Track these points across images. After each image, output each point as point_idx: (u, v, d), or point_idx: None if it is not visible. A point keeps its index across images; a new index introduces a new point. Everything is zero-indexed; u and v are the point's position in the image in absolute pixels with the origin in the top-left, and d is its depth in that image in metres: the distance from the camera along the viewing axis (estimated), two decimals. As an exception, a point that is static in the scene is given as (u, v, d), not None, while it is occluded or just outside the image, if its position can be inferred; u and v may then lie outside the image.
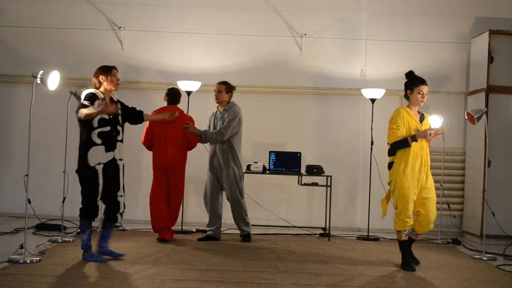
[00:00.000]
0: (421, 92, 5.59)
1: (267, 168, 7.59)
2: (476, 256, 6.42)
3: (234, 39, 8.45)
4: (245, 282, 4.81)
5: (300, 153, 7.63)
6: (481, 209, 7.32)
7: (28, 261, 5.18)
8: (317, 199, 8.26)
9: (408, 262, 5.63)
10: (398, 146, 5.55)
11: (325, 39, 8.46)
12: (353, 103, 8.44)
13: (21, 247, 5.27)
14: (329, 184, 7.52)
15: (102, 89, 5.48)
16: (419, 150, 5.53)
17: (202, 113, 8.04)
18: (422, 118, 5.70)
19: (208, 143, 6.97)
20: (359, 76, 8.46)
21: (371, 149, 7.79)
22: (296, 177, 7.75)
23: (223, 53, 8.45)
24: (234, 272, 5.19)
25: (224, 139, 6.78)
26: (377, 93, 7.74)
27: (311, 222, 8.25)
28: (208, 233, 6.93)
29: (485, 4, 8.46)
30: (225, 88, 6.94)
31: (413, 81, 5.65)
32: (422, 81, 5.62)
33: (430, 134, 5.51)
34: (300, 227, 8.03)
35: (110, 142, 5.40)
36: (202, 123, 7.58)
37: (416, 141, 5.49)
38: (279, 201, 8.36)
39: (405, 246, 5.65)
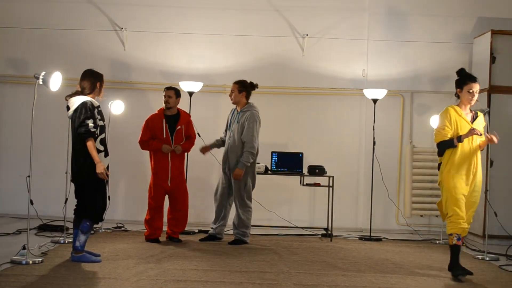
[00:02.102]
0: (471, 90, 5.32)
1: (269, 168, 7.58)
2: (479, 256, 6.42)
3: (236, 39, 8.45)
4: (247, 283, 4.81)
5: (302, 153, 7.63)
6: (483, 209, 7.30)
7: (31, 262, 5.19)
8: (319, 200, 8.26)
9: (459, 267, 5.32)
10: (444, 146, 5.34)
11: (327, 39, 8.46)
12: (355, 104, 8.45)
13: (24, 248, 5.27)
14: (331, 184, 7.52)
15: (92, 95, 5.48)
16: (468, 152, 5.30)
17: (204, 114, 8.08)
18: (475, 117, 5.43)
19: (224, 144, 6.94)
20: (361, 77, 8.45)
21: (373, 149, 7.79)
22: (298, 178, 7.75)
23: (225, 53, 8.45)
24: (237, 273, 5.18)
25: (256, 149, 6.72)
26: (379, 93, 7.73)
27: (313, 223, 8.25)
28: (209, 232, 6.93)
29: (487, 4, 8.46)
30: (237, 87, 6.80)
31: (463, 79, 5.38)
32: (472, 79, 5.36)
33: (477, 134, 5.25)
34: (302, 228, 8.03)
35: (106, 148, 5.52)
36: (203, 123, 7.60)
37: (461, 141, 5.25)
38: (281, 201, 8.36)
39: (456, 251, 5.32)
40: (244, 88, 6.82)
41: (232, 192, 6.84)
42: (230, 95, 6.86)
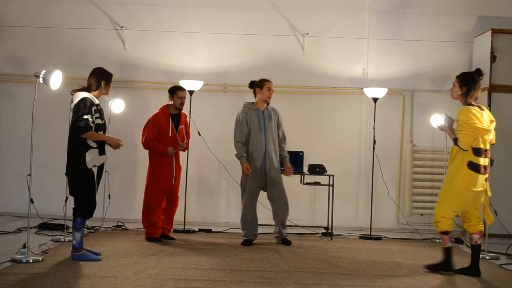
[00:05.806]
0: None
1: (270, 167, 7.58)
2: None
3: (236, 38, 8.45)
4: (247, 282, 4.82)
5: (302, 152, 7.63)
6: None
7: (31, 261, 5.19)
8: (319, 199, 8.26)
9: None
10: None
11: (327, 38, 8.45)
12: (355, 102, 8.44)
13: (24, 246, 5.28)
14: (331, 183, 7.52)
15: (96, 93, 5.49)
16: None
17: (204, 113, 8.07)
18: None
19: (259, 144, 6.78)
20: (361, 75, 8.45)
21: (374, 148, 7.79)
22: (298, 177, 7.74)
23: (225, 52, 8.45)
24: (237, 272, 5.19)
25: None
26: (379, 92, 7.73)
27: (313, 222, 8.25)
28: (250, 237, 6.77)
29: (487, 3, 8.45)
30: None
31: None
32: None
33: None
34: (303, 227, 8.03)
35: (102, 146, 5.51)
36: (203, 122, 7.59)
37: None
38: (282, 200, 8.35)
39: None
40: None
41: (258, 193, 6.84)
42: (271, 95, 6.83)
